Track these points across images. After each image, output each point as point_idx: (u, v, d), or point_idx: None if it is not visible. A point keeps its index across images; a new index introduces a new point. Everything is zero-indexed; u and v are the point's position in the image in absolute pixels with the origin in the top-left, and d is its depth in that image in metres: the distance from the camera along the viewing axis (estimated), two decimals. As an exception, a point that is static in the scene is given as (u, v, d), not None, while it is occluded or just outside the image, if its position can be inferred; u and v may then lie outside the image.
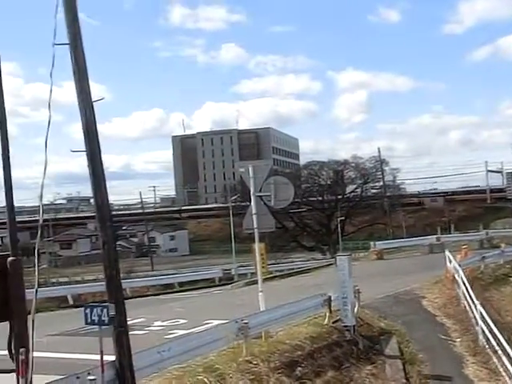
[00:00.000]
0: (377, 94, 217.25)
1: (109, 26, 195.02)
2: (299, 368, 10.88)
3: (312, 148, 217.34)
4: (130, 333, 8.21)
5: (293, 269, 43.59)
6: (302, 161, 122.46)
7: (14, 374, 6.39)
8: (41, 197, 7.89)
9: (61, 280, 55.63)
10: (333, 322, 13.69)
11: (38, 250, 7.70)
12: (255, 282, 16.83)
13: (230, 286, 32.63)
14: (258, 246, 13.82)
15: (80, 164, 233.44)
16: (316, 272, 34.64)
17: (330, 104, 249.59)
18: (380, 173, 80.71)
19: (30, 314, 6.60)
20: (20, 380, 6.27)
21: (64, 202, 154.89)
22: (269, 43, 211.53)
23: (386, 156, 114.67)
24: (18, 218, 7.42)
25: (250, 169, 13.39)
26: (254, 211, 13.29)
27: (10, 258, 6.57)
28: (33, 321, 6.57)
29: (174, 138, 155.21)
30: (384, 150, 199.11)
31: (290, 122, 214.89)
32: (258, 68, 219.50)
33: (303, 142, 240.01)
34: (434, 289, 20.00)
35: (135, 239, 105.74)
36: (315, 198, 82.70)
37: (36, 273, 7.32)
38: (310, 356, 11.60)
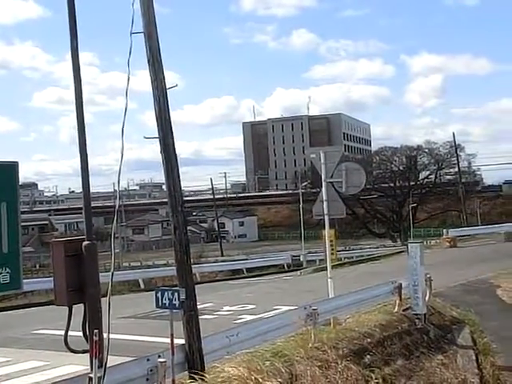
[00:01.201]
0: (451, 77, 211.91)
1: (180, 14, 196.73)
2: (368, 356, 10.77)
3: (384, 134, 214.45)
4: (200, 317, 8.34)
5: (362, 256, 43.29)
6: (374, 147, 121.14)
7: (87, 355, 6.59)
8: (118, 183, 8.04)
9: (133, 264, 56.89)
10: (403, 310, 13.51)
11: (113, 235, 7.89)
12: (324, 269, 16.76)
13: (298, 272, 32.59)
14: (327, 233, 13.76)
15: (152, 150, 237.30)
16: (386, 259, 34.24)
17: (403, 89, 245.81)
18: (454, 159, 78.41)
19: (103, 296, 6.78)
20: (93, 360, 6.45)
21: (137, 187, 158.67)
22: (340, 28, 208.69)
23: (461, 141, 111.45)
24: (93, 204, 7.61)
25: (322, 155, 13.27)
26: (324, 197, 13.20)
27: (86, 242, 6.76)
28: (109, 303, 6.74)
29: (245, 124, 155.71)
30: (459, 135, 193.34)
31: (361, 107, 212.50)
32: (330, 53, 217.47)
33: (375, 127, 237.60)
34: (509, 278, 19.40)
35: (205, 225, 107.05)
36: (387, 185, 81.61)
37: (112, 257, 7.48)
38: (380, 344, 11.47)
